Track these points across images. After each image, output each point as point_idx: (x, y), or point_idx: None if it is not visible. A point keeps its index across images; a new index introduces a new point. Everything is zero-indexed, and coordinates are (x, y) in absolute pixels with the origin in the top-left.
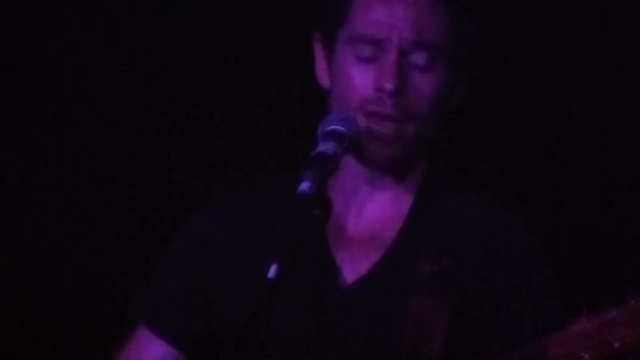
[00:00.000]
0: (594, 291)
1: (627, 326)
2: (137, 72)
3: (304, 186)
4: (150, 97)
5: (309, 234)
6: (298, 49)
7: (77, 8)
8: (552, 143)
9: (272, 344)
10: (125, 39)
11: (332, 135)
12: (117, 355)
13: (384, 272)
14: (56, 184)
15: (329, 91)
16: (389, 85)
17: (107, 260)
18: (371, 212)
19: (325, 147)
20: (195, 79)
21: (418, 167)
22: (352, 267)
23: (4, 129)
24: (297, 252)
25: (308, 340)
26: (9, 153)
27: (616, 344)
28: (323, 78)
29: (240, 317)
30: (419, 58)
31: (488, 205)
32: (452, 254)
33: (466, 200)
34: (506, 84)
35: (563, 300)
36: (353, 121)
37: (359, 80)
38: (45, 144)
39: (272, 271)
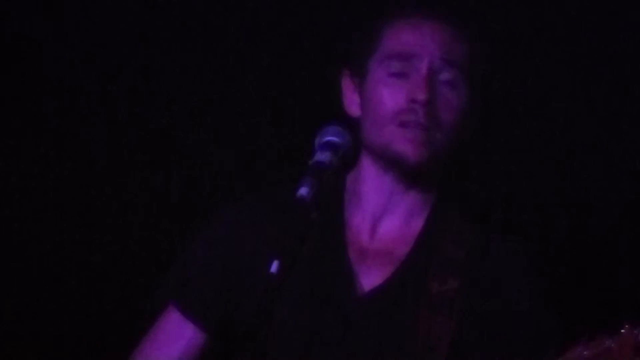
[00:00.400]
0: (591, 320)
1: (622, 355)
2: (137, 74)
3: (303, 191)
4: (151, 99)
5: (307, 234)
6: (302, 54)
7: (77, 8)
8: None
9: (290, 340)
10: (126, 41)
11: (328, 145)
12: (146, 337)
13: (396, 285)
14: (56, 185)
15: (360, 119)
16: (421, 96)
17: (107, 260)
18: (385, 229)
19: (322, 156)
20: (198, 83)
21: (430, 193)
22: (368, 278)
23: (4, 129)
24: (297, 250)
25: (324, 340)
26: (8, 154)
27: None
28: (352, 109)
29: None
30: (445, 75)
31: (490, 234)
32: (458, 276)
33: (470, 228)
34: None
35: (557, 321)
36: (347, 134)
37: (391, 93)
38: (46, 144)
39: (274, 266)
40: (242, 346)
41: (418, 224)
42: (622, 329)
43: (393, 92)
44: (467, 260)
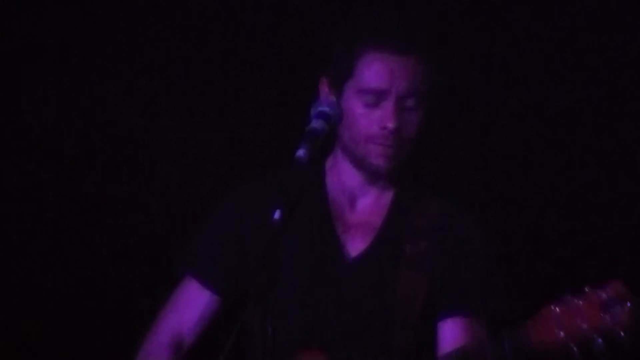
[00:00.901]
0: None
1: (591, 312)
2: (138, 74)
3: (300, 152)
4: (152, 99)
5: (303, 189)
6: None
7: (77, 8)
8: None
9: (286, 301)
10: (126, 40)
11: (322, 115)
12: (166, 306)
13: (377, 250)
14: (56, 185)
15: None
16: (391, 125)
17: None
18: (362, 204)
19: (316, 124)
20: (197, 82)
21: (397, 177)
22: (353, 245)
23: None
24: (295, 203)
25: (318, 300)
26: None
27: (584, 325)
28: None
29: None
30: (409, 102)
31: (449, 204)
32: (426, 239)
33: (432, 201)
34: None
35: (502, 273)
36: (337, 105)
37: (366, 120)
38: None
39: (277, 214)
40: (250, 304)
41: (388, 199)
42: (585, 289)
43: (367, 120)
44: (433, 227)
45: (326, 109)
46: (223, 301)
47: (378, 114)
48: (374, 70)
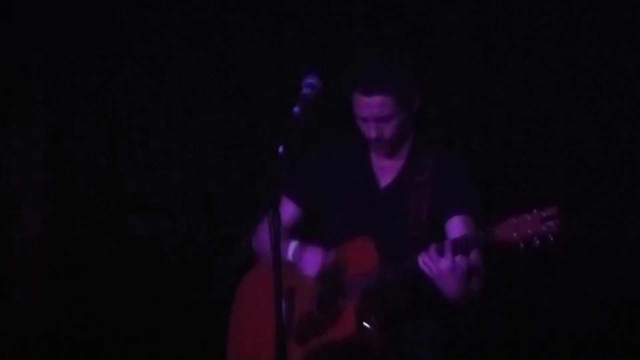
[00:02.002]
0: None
1: (534, 223)
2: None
3: (295, 109)
4: (154, 99)
5: (296, 134)
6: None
7: (77, 8)
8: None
9: (335, 219)
10: (127, 40)
11: (309, 84)
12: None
13: (398, 182)
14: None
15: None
16: (373, 136)
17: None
18: (390, 155)
19: (305, 90)
20: (197, 82)
21: (410, 135)
22: (385, 177)
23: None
24: (291, 141)
25: (361, 211)
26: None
27: (529, 231)
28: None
29: (335, 203)
30: (383, 120)
31: (445, 150)
32: (429, 172)
33: (435, 147)
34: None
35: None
36: (320, 78)
37: (363, 129)
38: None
39: (280, 149)
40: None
41: (406, 150)
42: (535, 209)
43: (363, 127)
44: (433, 164)
45: (312, 80)
46: (304, 214)
47: (365, 127)
48: (357, 105)
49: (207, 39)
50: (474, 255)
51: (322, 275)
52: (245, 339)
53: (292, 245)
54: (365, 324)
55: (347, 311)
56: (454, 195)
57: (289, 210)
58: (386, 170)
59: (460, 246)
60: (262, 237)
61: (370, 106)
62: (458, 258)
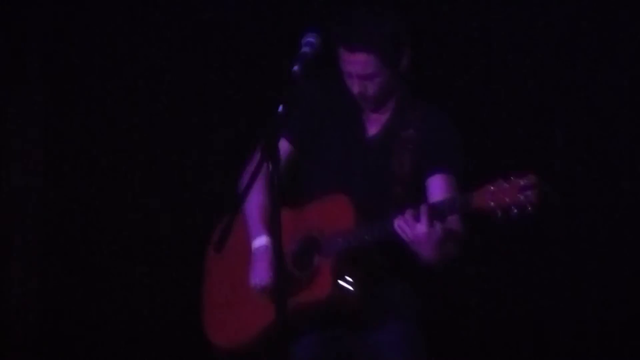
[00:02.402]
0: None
1: (512, 192)
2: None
3: (296, 68)
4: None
5: (295, 92)
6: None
7: (78, 7)
8: None
9: (319, 163)
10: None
11: (308, 43)
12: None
13: (384, 133)
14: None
15: None
16: (356, 91)
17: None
18: (377, 107)
19: (305, 49)
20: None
21: (397, 92)
22: (371, 127)
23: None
24: (291, 100)
25: (347, 158)
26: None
27: (507, 200)
28: None
29: (322, 145)
30: (367, 77)
31: (430, 107)
32: (414, 128)
33: (420, 104)
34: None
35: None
36: (319, 37)
37: (349, 84)
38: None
39: (280, 108)
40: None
41: (392, 104)
42: (512, 177)
43: (349, 82)
44: (419, 120)
45: (312, 39)
46: (295, 153)
47: (351, 82)
48: (341, 60)
49: (208, 38)
50: (452, 220)
51: (297, 234)
52: (220, 298)
53: (261, 241)
54: (342, 283)
55: (323, 270)
56: (436, 153)
57: (286, 150)
58: (373, 121)
59: (437, 212)
60: (252, 197)
61: (353, 63)
62: (434, 223)
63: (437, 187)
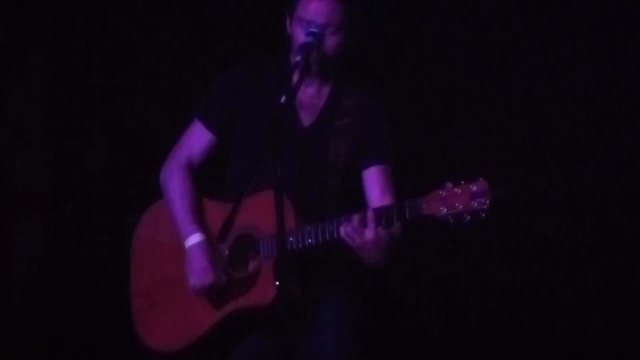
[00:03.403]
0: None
1: (463, 198)
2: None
3: (298, 58)
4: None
5: (298, 82)
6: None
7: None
8: None
9: (249, 154)
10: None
11: (312, 33)
12: (178, 142)
13: (318, 122)
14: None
15: (289, 37)
16: None
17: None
18: (310, 91)
19: (308, 38)
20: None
21: (333, 74)
22: (306, 118)
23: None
24: (294, 90)
25: (289, 151)
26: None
27: (459, 206)
28: (288, 29)
29: (253, 129)
30: (329, 29)
31: (366, 91)
32: (349, 116)
33: (356, 89)
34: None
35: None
36: (318, 33)
37: (302, 37)
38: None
39: (283, 99)
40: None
41: (329, 88)
42: (462, 182)
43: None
44: (354, 107)
45: (315, 29)
46: (219, 140)
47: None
48: (306, 7)
49: (208, 37)
50: (395, 225)
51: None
52: (152, 296)
53: (195, 238)
54: (284, 286)
55: (264, 274)
56: (373, 144)
57: (201, 136)
58: (307, 109)
59: (385, 218)
60: (174, 184)
61: (320, 9)
62: (381, 230)
63: (374, 179)
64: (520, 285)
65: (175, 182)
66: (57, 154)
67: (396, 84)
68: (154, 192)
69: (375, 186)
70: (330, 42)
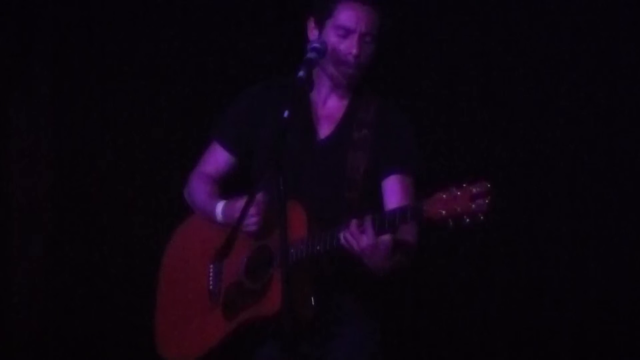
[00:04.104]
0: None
1: (463, 200)
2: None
3: (301, 74)
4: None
5: (301, 97)
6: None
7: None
8: None
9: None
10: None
11: (315, 49)
12: (199, 162)
13: (336, 135)
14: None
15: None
16: (355, 52)
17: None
18: (329, 103)
19: (311, 55)
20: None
21: (354, 85)
22: (322, 130)
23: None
24: (297, 105)
25: (304, 164)
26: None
27: (458, 209)
28: (313, 38)
29: (267, 146)
30: (367, 38)
31: (385, 103)
32: (368, 128)
33: (376, 100)
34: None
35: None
36: (324, 42)
37: (338, 47)
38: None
39: (286, 113)
40: (258, 164)
41: (347, 101)
42: (464, 184)
43: (340, 45)
44: (373, 120)
45: (317, 45)
46: (237, 160)
47: (346, 44)
48: (347, 14)
49: (209, 36)
50: (405, 230)
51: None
52: (174, 310)
53: (220, 206)
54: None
55: (275, 283)
56: (391, 154)
57: (219, 157)
58: (324, 121)
59: (386, 222)
60: (196, 188)
61: (360, 17)
62: (383, 234)
63: (392, 190)
64: (521, 286)
65: (197, 189)
66: (58, 156)
67: (397, 86)
68: (154, 193)
69: (392, 197)
70: (367, 51)
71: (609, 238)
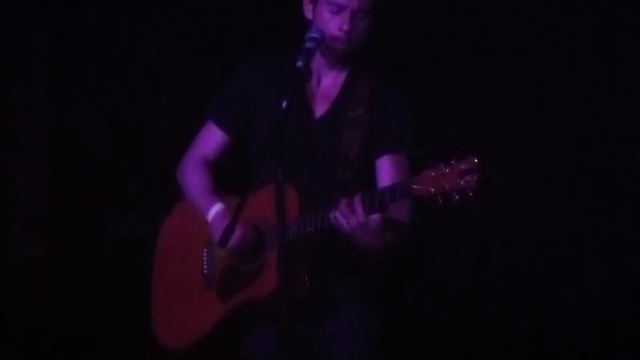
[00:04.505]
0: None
1: (452, 177)
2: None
3: (299, 63)
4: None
5: (300, 87)
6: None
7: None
8: None
9: (262, 149)
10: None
11: (312, 39)
12: (193, 142)
13: (331, 113)
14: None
15: (311, 21)
16: (346, 28)
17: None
18: (324, 82)
19: (309, 44)
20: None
21: (348, 63)
22: (318, 109)
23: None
24: (294, 95)
25: (295, 141)
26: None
27: (447, 186)
28: (307, 14)
29: (262, 126)
30: (359, 15)
31: (380, 81)
32: (364, 106)
33: (371, 79)
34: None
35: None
36: (323, 33)
37: (330, 23)
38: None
39: (284, 104)
40: (254, 145)
41: (342, 78)
42: (452, 160)
43: (331, 21)
44: (369, 97)
45: (316, 35)
46: (232, 139)
47: (338, 20)
48: None
49: (209, 36)
50: (397, 208)
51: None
52: (169, 295)
53: (216, 208)
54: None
55: (269, 264)
56: (385, 133)
57: (214, 136)
58: (320, 100)
59: (375, 201)
60: (191, 178)
61: None
62: (372, 213)
63: (386, 169)
64: (520, 285)
65: (190, 173)
66: (58, 156)
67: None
68: (154, 193)
69: (386, 175)
70: (360, 27)
71: (609, 238)
